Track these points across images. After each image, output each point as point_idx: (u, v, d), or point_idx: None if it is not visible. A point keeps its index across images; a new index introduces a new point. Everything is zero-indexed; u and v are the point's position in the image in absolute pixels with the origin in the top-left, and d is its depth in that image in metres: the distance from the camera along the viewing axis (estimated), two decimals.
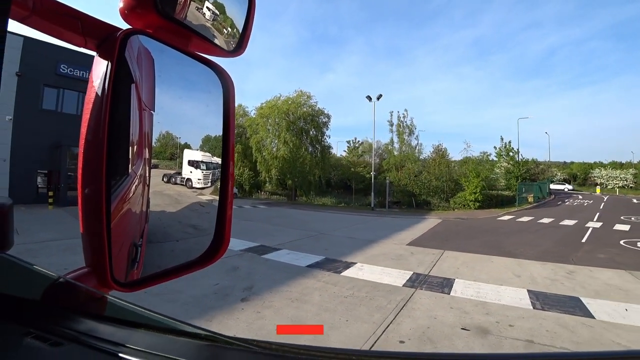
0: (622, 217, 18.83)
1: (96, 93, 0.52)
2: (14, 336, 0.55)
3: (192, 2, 0.62)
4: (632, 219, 18.50)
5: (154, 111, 0.67)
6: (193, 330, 0.58)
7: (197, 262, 0.76)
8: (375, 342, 4.62)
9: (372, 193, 22.88)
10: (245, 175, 30.49)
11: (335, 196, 29.30)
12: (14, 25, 0.44)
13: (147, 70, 0.64)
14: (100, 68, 0.53)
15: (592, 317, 5.58)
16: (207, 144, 0.82)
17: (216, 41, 0.68)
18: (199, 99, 0.79)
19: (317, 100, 26.25)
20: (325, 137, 27.02)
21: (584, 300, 6.30)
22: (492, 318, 5.50)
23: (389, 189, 22.53)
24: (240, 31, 0.72)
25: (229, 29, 0.71)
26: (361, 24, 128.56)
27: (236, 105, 0.86)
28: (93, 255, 0.54)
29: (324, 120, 26.51)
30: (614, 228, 15.26)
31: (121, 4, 0.55)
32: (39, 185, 19.43)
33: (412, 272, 7.98)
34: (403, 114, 34.55)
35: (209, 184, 0.85)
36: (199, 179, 0.88)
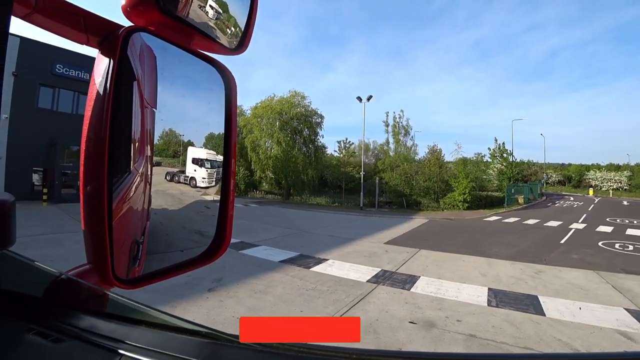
0: (607, 219, 18.85)
1: (98, 90, 0.52)
2: (15, 332, 0.56)
3: (194, 0, 0.62)
4: (618, 220, 18.53)
5: (156, 109, 0.66)
6: (194, 328, 0.58)
7: (199, 260, 0.76)
8: None
9: (362, 193, 23.05)
10: (241, 175, 30.77)
11: (330, 196, 29.47)
12: (15, 23, 0.43)
13: (150, 67, 0.64)
14: (102, 65, 0.53)
15: (543, 314, 5.73)
16: (210, 142, 0.82)
17: (218, 39, 0.68)
18: (201, 97, 0.78)
19: (310, 100, 26.44)
20: (318, 137, 27.28)
21: (541, 299, 6.45)
22: (443, 313, 5.68)
23: (379, 189, 22.71)
24: (243, 29, 0.72)
25: (232, 27, 0.71)
26: (362, 23, 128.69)
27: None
28: (95, 252, 0.54)
29: (317, 120, 26.75)
30: (597, 230, 15.32)
31: (123, 2, 0.55)
32: (35, 183, 19.76)
33: (380, 269, 8.16)
34: (399, 114, 34.60)
35: (214, 183, 0.83)
36: (203, 178, 0.86)
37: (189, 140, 0.80)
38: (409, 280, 7.36)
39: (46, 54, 18.58)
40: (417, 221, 17.58)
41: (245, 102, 36.95)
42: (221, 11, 0.67)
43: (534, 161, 44.65)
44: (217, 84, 0.75)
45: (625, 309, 6.07)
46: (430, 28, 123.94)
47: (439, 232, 14.29)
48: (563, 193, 40.97)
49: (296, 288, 6.75)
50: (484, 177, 29.80)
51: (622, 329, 5.21)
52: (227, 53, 0.72)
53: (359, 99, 24.42)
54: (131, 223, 0.66)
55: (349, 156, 32.56)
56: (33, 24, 0.50)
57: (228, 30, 0.70)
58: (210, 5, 0.65)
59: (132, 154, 0.62)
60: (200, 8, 0.63)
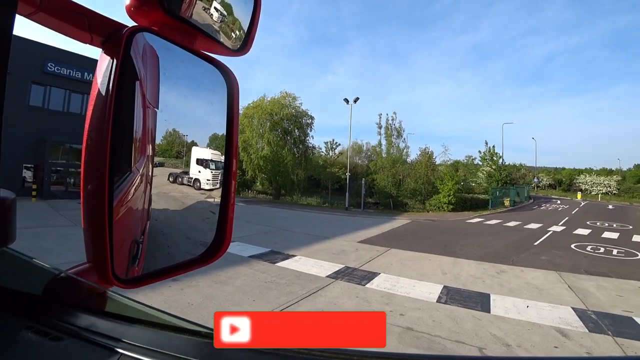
0: (588, 222, 19.00)
1: (101, 90, 0.52)
2: (14, 330, 0.56)
3: (198, 1, 0.62)
4: (597, 224, 18.67)
5: (158, 109, 0.66)
6: (193, 328, 0.57)
7: (198, 261, 0.76)
8: None
9: (347, 193, 23.20)
10: None
11: (322, 197, 29.60)
12: (19, 22, 0.43)
13: (152, 67, 0.64)
14: (105, 65, 0.54)
15: (488, 311, 5.88)
16: (214, 142, 0.80)
17: (221, 40, 0.68)
18: (203, 98, 0.78)
19: (302, 101, 26.60)
20: (308, 137, 27.44)
21: (493, 297, 6.60)
22: (389, 307, 5.83)
23: (365, 190, 22.85)
24: (246, 30, 0.73)
25: (235, 28, 0.71)
26: (362, 25, 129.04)
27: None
28: (94, 251, 0.54)
29: (307, 121, 26.93)
30: (574, 232, 15.47)
31: (127, 1, 0.55)
32: (27, 179, 19.90)
33: (343, 266, 8.33)
34: (392, 116, 34.76)
35: (218, 185, 0.80)
36: (207, 180, 0.83)
37: (193, 141, 0.80)
38: (367, 277, 7.52)
39: (38, 52, 18.71)
40: (399, 222, 17.72)
41: (242, 101, 37.13)
42: (226, 13, 0.67)
43: (526, 164, 45.46)
44: (219, 84, 0.75)
45: (573, 307, 6.22)
46: (430, 31, 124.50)
47: (417, 233, 14.44)
48: (552, 196, 41.23)
49: (256, 280, 6.94)
50: (474, 179, 30.01)
51: (560, 327, 5.36)
52: (229, 54, 0.72)
53: (346, 100, 24.64)
54: (131, 223, 0.65)
55: (336, 157, 32.71)
56: (37, 22, 0.50)
57: (231, 31, 0.70)
58: (215, 8, 0.65)
59: (133, 154, 0.62)
60: (204, 10, 0.64)
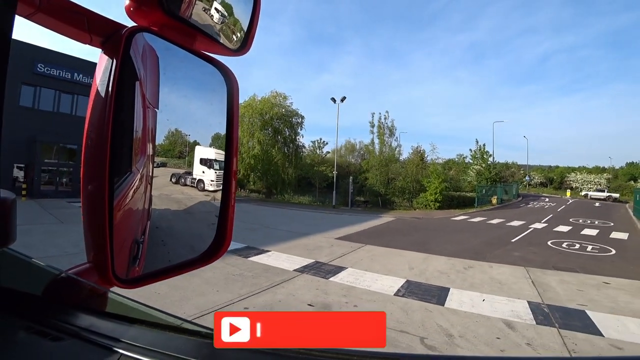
0: (570, 219, 19.19)
1: (101, 90, 0.52)
2: (15, 330, 0.56)
3: (198, 1, 0.62)
4: (580, 221, 18.88)
5: (158, 109, 0.66)
6: (194, 328, 0.58)
7: (199, 260, 0.76)
8: (223, 306, 5.40)
9: (334, 192, 23.37)
10: None
11: (316, 195, 29.74)
12: (18, 22, 0.43)
13: (152, 68, 0.64)
14: (105, 65, 0.54)
15: (442, 304, 6.04)
16: (216, 142, 0.79)
17: (221, 40, 0.68)
18: (204, 98, 0.78)
19: (292, 101, 26.76)
20: (298, 136, 27.60)
21: (451, 291, 6.76)
22: (345, 299, 6.02)
23: (352, 188, 23.00)
24: (245, 30, 0.73)
25: (235, 29, 0.71)
26: (359, 25, 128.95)
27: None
28: (95, 251, 0.54)
29: (298, 120, 27.10)
30: (555, 229, 15.66)
31: (127, 2, 0.55)
32: (18, 178, 20.03)
33: (313, 261, 8.51)
34: (384, 115, 34.91)
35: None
36: (211, 181, 0.81)
37: (195, 141, 0.80)
38: (334, 271, 7.69)
39: (28, 54, 18.83)
40: (383, 219, 17.88)
41: (240, 101, 37.34)
42: (226, 14, 0.67)
43: (517, 163, 45.90)
44: (219, 84, 0.75)
45: (529, 301, 6.38)
46: (427, 31, 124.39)
47: (398, 230, 14.61)
48: (542, 194, 41.54)
49: (224, 273, 7.12)
50: (465, 178, 30.19)
51: (509, 319, 5.52)
52: (229, 54, 0.72)
53: (333, 100, 24.83)
54: (132, 223, 0.65)
55: (324, 155, 32.86)
56: (36, 23, 0.50)
57: (231, 31, 0.70)
58: (216, 9, 0.65)
59: (133, 154, 0.62)
60: (204, 10, 0.64)
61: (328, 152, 35.69)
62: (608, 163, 54.03)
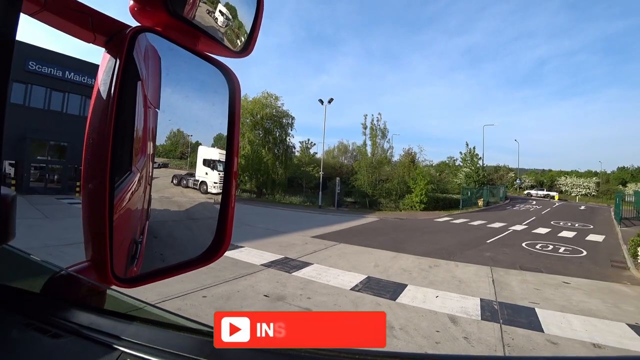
0: (552, 222, 19.42)
1: (103, 89, 0.53)
2: (14, 327, 0.56)
3: (202, 3, 0.63)
4: (561, 223, 19.11)
5: (159, 109, 0.66)
6: (195, 327, 0.58)
7: (198, 260, 0.75)
8: (184, 294, 5.64)
9: (320, 192, 23.56)
10: None
11: (308, 196, 29.87)
12: (22, 20, 0.44)
13: (154, 68, 0.65)
14: (108, 64, 0.54)
15: (394, 300, 6.24)
16: (218, 143, 0.79)
17: (224, 42, 0.69)
18: (206, 98, 0.78)
19: (283, 102, 26.92)
20: (289, 137, 27.79)
21: (408, 287, 6.96)
22: (301, 292, 6.25)
23: (339, 189, 23.18)
24: (248, 33, 0.73)
25: (238, 31, 0.72)
26: (357, 26, 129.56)
27: None
28: (94, 250, 0.54)
29: (288, 121, 27.28)
30: (533, 231, 15.87)
31: (131, 2, 0.56)
32: (10, 175, 20.18)
33: (283, 256, 8.74)
34: (377, 117, 35.06)
35: None
36: (215, 183, 0.80)
37: (197, 141, 0.79)
38: (299, 266, 7.90)
39: (19, 51, 18.99)
40: (366, 219, 18.09)
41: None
42: (231, 17, 0.68)
43: (509, 165, 46.55)
44: (221, 85, 0.75)
45: (481, 299, 6.57)
46: (424, 33, 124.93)
47: (377, 230, 14.81)
48: (531, 197, 41.98)
49: None
50: (455, 180, 30.45)
51: (456, 315, 5.72)
52: (232, 55, 0.73)
53: (321, 101, 25.12)
54: (131, 222, 0.65)
55: (311, 156, 33.03)
56: (41, 21, 0.50)
57: (234, 33, 0.71)
58: (221, 11, 0.66)
59: (133, 154, 0.62)
60: (208, 12, 0.64)
61: (316, 153, 35.87)
62: (601, 167, 54.77)
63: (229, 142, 0.77)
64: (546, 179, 49.66)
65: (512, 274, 8.54)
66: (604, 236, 15.03)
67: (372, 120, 32.78)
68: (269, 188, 27.23)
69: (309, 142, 32.96)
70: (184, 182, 0.79)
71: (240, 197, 31.29)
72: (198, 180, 0.80)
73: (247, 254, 8.80)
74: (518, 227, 16.85)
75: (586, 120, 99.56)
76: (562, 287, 7.78)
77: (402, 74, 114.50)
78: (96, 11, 0.54)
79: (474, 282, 7.70)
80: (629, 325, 5.65)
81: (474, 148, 31.11)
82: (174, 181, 0.77)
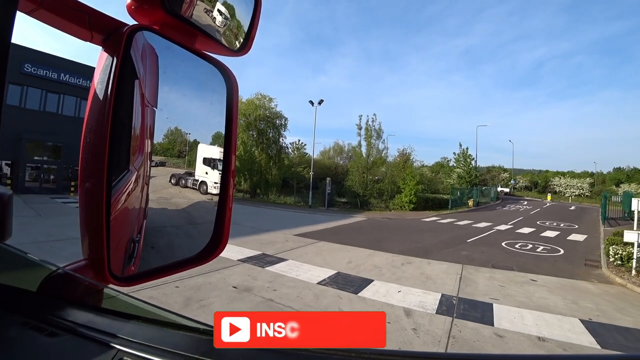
0: (538, 222, 19.63)
1: (100, 88, 0.53)
2: (10, 326, 0.57)
3: (199, 1, 0.63)
4: (546, 223, 19.33)
5: (157, 108, 0.66)
6: (193, 325, 0.58)
7: (195, 260, 0.75)
8: (159, 285, 5.85)
9: (310, 192, 23.90)
10: None
11: (303, 196, 30.14)
12: (18, 19, 0.43)
13: (151, 66, 0.65)
14: (105, 63, 0.54)
15: (356, 293, 6.52)
16: (217, 141, 0.78)
17: (221, 40, 0.69)
18: (203, 97, 0.77)
19: (277, 103, 27.23)
20: (282, 138, 28.13)
21: (374, 283, 7.24)
22: (268, 285, 6.60)
23: (329, 189, 23.47)
24: (246, 31, 0.73)
25: (235, 29, 0.71)
26: (356, 27, 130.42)
27: None
28: (91, 249, 0.55)
29: (281, 122, 27.59)
30: (517, 231, 16.09)
31: (128, 0, 0.56)
32: (7, 175, 20.61)
33: (261, 252, 9.10)
34: (372, 118, 35.30)
35: None
36: (215, 183, 0.78)
37: (195, 140, 0.78)
38: (273, 262, 8.25)
39: (15, 53, 19.47)
40: (354, 219, 18.37)
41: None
42: (227, 14, 0.68)
43: (504, 166, 46.96)
44: (219, 84, 0.75)
45: (443, 294, 6.83)
46: (423, 35, 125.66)
47: (361, 229, 15.09)
48: (525, 197, 42.26)
49: None
50: (449, 181, 30.72)
51: (412, 308, 6.00)
52: (229, 54, 0.73)
53: (311, 102, 25.46)
54: (128, 221, 0.65)
55: (302, 157, 33.31)
56: (38, 19, 0.50)
57: (231, 32, 0.71)
58: (218, 10, 0.66)
59: (131, 153, 0.62)
60: (205, 10, 0.64)
61: (306, 153, 36.16)
62: (596, 168, 55.00)
63: (227, 140, 0.77)
64: (540, 180, 49.84)
65: (482, 272, 8.78)
66: (586, 236, 15.22)
67: (367, 121, 33.01)
68: (263, 188, 27.52)
69: (300, 142, 33.35)
70: (183, 181, 0.77)
71: (235, 197, 31.53)
72: (198, 180, 0.79)
73: (227, 250, 8.61)
74: (503, 227, 17.07)
75: (583, 121, 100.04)
76: (528, 284, 8.00)
77: (400, 76, 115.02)
78: (93, 9, 0.54)
79: (441, 279, 7.95)
80: (582, 320, 5.87)
81: (467, 149, 31.51)
82: (172, 181, 0.76)
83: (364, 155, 32.55)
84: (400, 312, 5.78)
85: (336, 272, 7.80)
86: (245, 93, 28.15)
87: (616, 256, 9.77)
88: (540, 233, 15.66)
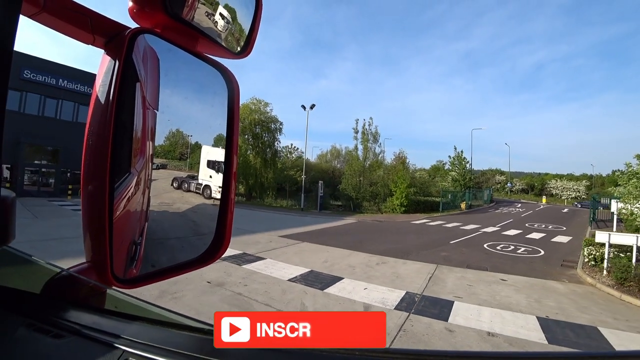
0: (526, 224, 19.80)
1: (103, 91, 0.54)
2: (14, 327, 0.57)
3: (201, 5, 0.64)
4: (535, 225, 19.49)
5: (158, 110, 0.67)
6: (196, 325, 0.59)
7: (197, 261, 0.76)
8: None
9: (302, 195, 24.25)
10: None
11: (298, 199, 30.41)
12: (21, 23, 0.43)
13: (152, 69, 0.66)
14: (107, 66, 0.55)
15: (322, 290, 6.83)
16: (218, 144, 0.78)
17: (222, 43, 0.70)
18: (204, 99, 0.78)
19: (272, 107, 27.70)
20: (277, 142, 28.51)
21: (343, 280, 7.54)
22: (241, 281, 6.97)
23: (322, 192, 23.81)
24: (247, 34, 0.74)
25: (236, 32, 0.72)
26: (356, 31, 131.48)
27: None
28: (94, 251, 0.55)
29: (276, 126, 27.98)
30: (503, 233, 16.30)
31: (130, 3, 0.56)
32: (7, 178, 21.20)
33: (242, 252, 9.46)
34: (368, 122, 35.53)
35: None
36: (220, 187, 0.76)
37: (197, 142, 0.77)
38: (251, 260, 8.65)
39: (15, 59, 19.83)
40: (344, 222, 18.70)
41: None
42: (230, 18, 0.69)
43: (501, 169, 47.14)
44: (220, 86, 0.75)
45: (408, 292, 7.07)
46: (423, 39, 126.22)
47: (348, 231, 15.40)
48: (519, 200, 42.28)
49: None
50: (444, 184, 30.92)
51: (372, 304, 6.29)
52: (230, 57, 0.73)
53: (303, 107, 25.92)
54: (130, 224, 0.65)
55: (294, 160, 33.68)
56: (40, 22, 0.51)
57: (232, 34, 0.71)
58: (219, 13, 0.66)
59: (132, 156, 0.62)
60: (206, 13, 0.65)
61: (299, 157, 36.63)
62: (595, 170, 54.86)
63: (228, 142, 0.78)
64: (537, 183, 49.79)
65: (454, 272, 8.98)
66: (571, 237, 15.36)
67: (364, 125, 33.34)
68: (258, 191, 27.87)
69: (292, 146, 33.88)
70: (186, 185, 0.77)
71: None
72: (201, 184, 0.78)
73: None
74: (490, 229, 17.28)
75: (583, 124, 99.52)
76: (497, 283, 8.19)
77: (401, 79, 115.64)
78: (95, 13, 0.55)
79: (411, 278, 8.18)
80: (538, 317, 6.03)
81: (462, 152, 31.68)
82: (174, 184, 0.75)
83: (361, 159, 32.78)
84: (359, 307, 6.08)
85: (309, 270, 8.12)
86: (244, 97, 28.55)
87: (590, 257, 9.96)
88: (526, 235, 15.84)
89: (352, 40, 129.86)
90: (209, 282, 6.65)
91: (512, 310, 6.41)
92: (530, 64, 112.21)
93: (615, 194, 16.50)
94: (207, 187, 0.78)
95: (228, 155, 0.77)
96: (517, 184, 49.39)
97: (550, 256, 11.68)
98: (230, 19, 0.70)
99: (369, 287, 7.22)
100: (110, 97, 0.52)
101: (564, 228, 18.68)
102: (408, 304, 6.40)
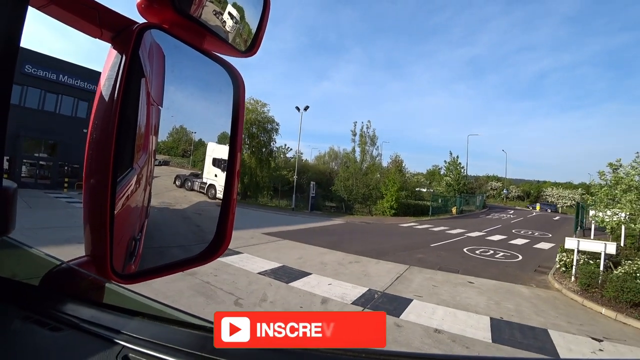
0: (513, 230, 19.92)
1: (108, 85, 0.53)
2: (13, 319, 0.57)
3: (209, 2, 0.64)
4: (521, 232, 19.61)
5: (162, 107, 0.67)
6: (197, 322, 0.59)
7: (197, 259, 0.76)
8: None
9: (293, 195, 24.60)
10: None
11: (296, 199, 30.70)
12: (29, 14, 0.43)
13: (158, 65, 0.66)
14: (114, 60, 0.55)
15: (287, 283, 7.18)
16: (223, 142, 0.77)
17: (229, 41, 0.70)
18: (210, 97, 0.78)
19: (269, 108, 28.03)
20: (273, 142, 28.76)
21: (310, 276, 7.87)
22: (212, 271, 7.29)
23: (314, 192, 24.18)
24: (254, 33, 0.74)
25: (243, 30, 0.72)
26: (360, 34, 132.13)
27: None
28: (94, 245, 0.55)
29: (273, 127, 28.33)
30: (488, 238, 16.45)
31: None
32: (6, 169, 21.87)
33: None
34: (366, 125, 35.75)
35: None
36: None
37: (200, 139, 0.77)
38: (228, 254, 8.80)
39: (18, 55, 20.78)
40: (332, 222, 19.01)
41: None
42: (238, 16, 0.69)
43: (497, 175, 47.19)
44: (226, 84, 0.76)
45: (370, 289, 7.35)
46: (427, 43, 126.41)
47: (333, 231, 15.74)
48: (512, 207, 42.40)
49: None
50: (439, 188, 31.14)
51: (331, 298, 6.62)
52: (237, 55, 0.74)
53: (297, 108, 26.30)
54: (131, 219, 0.65)
55: (287, 160, 33.98)
56: (48, 14, 0.51)
57: (239, 33, 0.71)
58: (229, 12, 0.67)
59: (135, 151, 0.62)
60: (214, 11, 0.65)
61: (292, 157, 37.12)
62: (590, 179, 54.66)
63: (232, 140, 0.77)
64: (533, 190, 49.73)
65: (424, 273, 9.20)
66: (553, 244, 15.43)
67: (362, 127, 33.60)
68: (253, 190, 28.21)
69: (285, 147, 34.37)
70: (189, 184, 0.75)
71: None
72: (206, 183, 0.77)
73: None
74: (475, 234, 17.45)
75: (584, 133, 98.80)
76: (462, 285, 8.37)
77: (404, 83, 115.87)
78: (104, 6, 0.55)
79: (379, 276, 8.41)
80: (492, 318, 6.25)
81: (457, 157, 31.87)
82: (177, 182, 0.75)
83: (358, 162, 33.04)
84: (317, 300, 6.40)
85: (281, 265, 8.45)
86: (247, 96, 28.83)
87: (561, 263, 10.16)
88: (510, 241, 16.01)
89: (356, 43, 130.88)
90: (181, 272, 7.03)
91: (468, 310, 6.61)
92: (534, 72, 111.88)
93: (588, 202, 16.70)
94: (212, 186, 0.77)
95: (232, 153, 0.77)
96: (514, 191, 49.41)
97: (527, 262, 11.84)
98: (238, 17, 0.70)
99: (334, 283, 7.53)
100: (116, 92, 0.53)
101: (550, 235, 18.75)
102: (366, 300, 6.70)
